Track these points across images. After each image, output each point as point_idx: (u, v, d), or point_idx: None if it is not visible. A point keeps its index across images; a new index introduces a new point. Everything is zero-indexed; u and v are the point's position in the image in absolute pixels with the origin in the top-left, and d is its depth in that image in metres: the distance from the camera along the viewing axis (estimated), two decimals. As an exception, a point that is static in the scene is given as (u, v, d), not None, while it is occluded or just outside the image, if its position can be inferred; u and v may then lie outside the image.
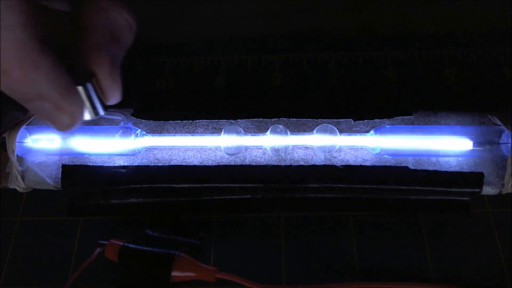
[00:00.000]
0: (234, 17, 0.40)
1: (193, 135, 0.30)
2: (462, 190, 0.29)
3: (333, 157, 0.30)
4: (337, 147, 0.29)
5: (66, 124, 0.17)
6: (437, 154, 0.30)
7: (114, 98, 0.20)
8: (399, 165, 0.30)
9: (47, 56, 0.15)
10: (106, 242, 0.28)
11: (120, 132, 0.30)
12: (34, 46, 0.14)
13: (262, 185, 0.30)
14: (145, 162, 0.31)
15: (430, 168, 0.30)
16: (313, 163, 0.30)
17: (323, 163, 0.30)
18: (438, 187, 0.29)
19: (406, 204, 0.30)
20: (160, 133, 0.31)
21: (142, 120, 0.31)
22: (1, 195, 0.32)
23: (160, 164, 0.30)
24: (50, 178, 0.30)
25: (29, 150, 0.30)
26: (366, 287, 0.27)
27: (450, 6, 0.39)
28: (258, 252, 0.30)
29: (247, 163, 0.30)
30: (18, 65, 0.14)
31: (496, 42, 0.38)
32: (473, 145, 0.29)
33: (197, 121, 0.31)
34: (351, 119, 0.31)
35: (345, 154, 0.30)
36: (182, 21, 0.40)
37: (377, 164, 0.30)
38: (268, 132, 0.29)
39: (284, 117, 0.31)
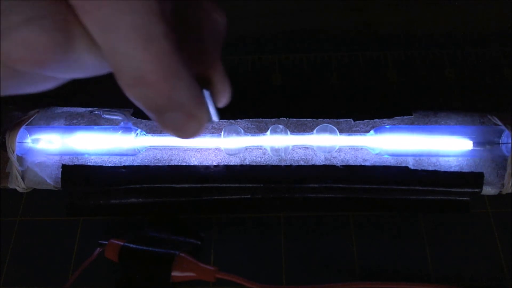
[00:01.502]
0: (234, 17, 0.40)
1: (193, 135, 0.30)
2: (462, 190, 0.29)
3: (333, 157, 0.30)
4: (337, 147, 0.29)
5: (195, 131, 0.16)
6: (437, 154, 0.30)
7: (225, 101, 0.20)
8: (399, 165, 0.30)
9: (184, 64, 0.14)
10: (106, 242, 0.28)
11: (120, 132, 0.30)
12: (175, 55, 0.13)
13: (262, 185, 0.30)
14: (145, 162, 0.31)
15: (430, 168, 0.30)
16: (313, 163, 0.30)
17: (323, 163, 0.30)
18: (438, 187, 0.29)
19: (406, 204, 0.30)
20: (160, 133, 0.31)
21: (142, 120, 0.31)
22: (1, 195, 0.32)
23: (160, 164, 0.30)
24: (50, 178, 0.30)
25: (29, 150, 0.30)
26: (366, 287, 0.27)
27: (450, 6, 0.39)
28: (258, 252, 0.30)
29: (247, 163, 0.30)
30: (163, 76, 0.13)
31: (496, 42, 0.38)
32: (473, 145, 0.29)
33: (197, 121, 0.31)
34: (351, 119, 0.31)
35: (345, 154, 0.30)
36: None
37: (377, 164, 0.30)
38: (268, 132, 0.29)
39: (284, 117, 0.31)
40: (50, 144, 0.30)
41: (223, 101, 0.20)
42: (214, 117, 0.19)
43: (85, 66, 0.14)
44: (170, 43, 0.13)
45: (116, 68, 0.13)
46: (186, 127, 0.16)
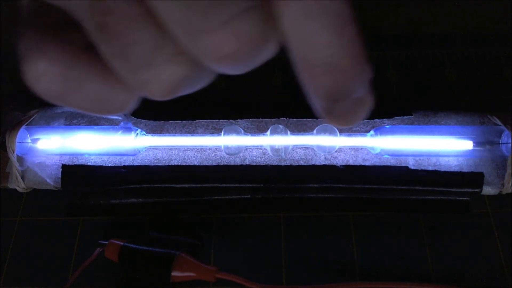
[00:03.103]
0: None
1: (193, 135, 0.30)
2: (462, 190, 0.29)
3: (333, 157, 0.30)
4: (337, 147, 0.29)
5: (362, 117, 0.16)
6: (437, 154, 0.30)
7: None
8: (399, 165, 0.30)
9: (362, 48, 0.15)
10: (106, 242, 0.28)
11: (120, 132, 0.30)
12: (359, 39, 0.14)
13: (262, 185, 0.30)
14: (145, 162, 0.31)
15: (430, 168, 0.30)
16: (313, 163, 0.30)
17: (323, 163, 0.30)
18: (438, 187, 0.29)
19: (406, 204, 0.30)
20: (160, 133, 0.31)
21: (142, 120, 0.31)
22: (1, 195, 0.32)
23: (160, 164, 0.30)
24: (50, 178, 0.30)
25: (29, 150, 0.30)
26: (366, 287, 0.27)
27: (450, 6, 0.39)
28: (258, 252, 0.30)
29: (247, 163, 0.30)
30: (354, 62, 0.13)
31: (496, 42, 0.38)
32: (473, 145, 0.29)
33: (197, 121, 0.31)
34: (351, 119, 0.31)
35: (345, 154, 0.30)
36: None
37: (377, 164, 0.30)
38: (268, 132, 0.29)
39: (284, 117, 0.31)
40: (50, 144, 0.30)
41: None
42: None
43: (265, 58, 0.14)
44: (357, 28, 0.13)
45: (306, 57, 0.13)
46: (358, 115, 0.16)
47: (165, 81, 0.13)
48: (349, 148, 0.30)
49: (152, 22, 0.12)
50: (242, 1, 0.11)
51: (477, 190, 0.29)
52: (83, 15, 0.12)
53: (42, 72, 0.13)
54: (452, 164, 0.30)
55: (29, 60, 0.13)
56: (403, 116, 0.31)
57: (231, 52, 0.12)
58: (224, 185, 0.30)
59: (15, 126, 0.30)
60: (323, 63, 0.13)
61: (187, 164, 0.30)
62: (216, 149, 0.31)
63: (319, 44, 0.13)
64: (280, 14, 0.12)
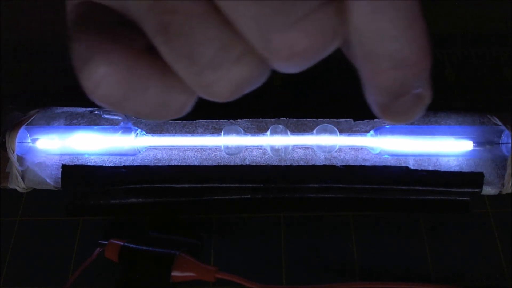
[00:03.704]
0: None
1: (193, 135, 0.30)
2: (462, 190, 0.29)
3: (333, 157, 0.30)
4: (337, 147, 0.29)
5: (420, 113, 0.16)
6: (437, 154, 0.30)
7: None
8: (399, 165, 0.30)
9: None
10: (106, 242, 0.28)
11: (120, 132, 0.30)
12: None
13: (262, 185, 0.30)
14: (145, 162, 0.31)
15: (430, 168, 0.30)
16: (313, 163, 0.30)
17: (323, 163, 0.30)
18: (438, 187, 0.29)
19: (406, 204, 0.30)
20: (160, 133, 0.31)
21: (142, 120, 0.31)
22: (1, 195, 0.32)
23: (160, 164, 0.30)
24: (50, 178, 0.30)
25: (29, 150, 0.30)
26: (366, 287, 0.27)
27: (450, 6, 0.39)
28: (258, 252, 0.30)
29: (247, 163, 0.30)
30: (422, 56, 0.13)
31: (496, 42, 0.38)
32: (473, 145, 0.29)
33: (197, 121, 0.31)
34: (351, 119, 0.31)
35: (345, 154, 0.30)
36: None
37: (377, 164, 0.30)
38: (268, 132, 0.29)
39: (284, 117, 0.31)
40: (50, 144, 0.30)
41: None
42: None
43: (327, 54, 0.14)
44: (424, 22, 0.13)
45: (373, 51, 0.13)
46: (417, 111, 0.15)
47: (231, 82, 0.12)
48: (349, 148, 0.30)
49: (219, 20, 0.11)
50: None
51: (477, 190, 0.29)
52: (143, 15, 0.12)
53: (103, 77, 0.12)
54: (452, 164, 0.30)
55: (89, 65, 0.13)
56: (403, 116, 0.31)
57: (303, 50, 0.11)
58: (224, 185, 0.30)
59: (15, 126, 0.30)
60: (391, 58, 0.13)
61: (187, 164, 0.30)
62: (216, 149, 0.31)
63: (388, 38, 0.12)
64: (350, 8, 0.12)
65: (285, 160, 0.30)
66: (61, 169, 0.30)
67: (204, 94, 0.13)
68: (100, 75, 0.12)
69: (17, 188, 0.31)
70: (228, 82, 0.12)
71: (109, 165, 0.31)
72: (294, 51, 0.11)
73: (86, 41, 0.13)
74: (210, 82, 0.12)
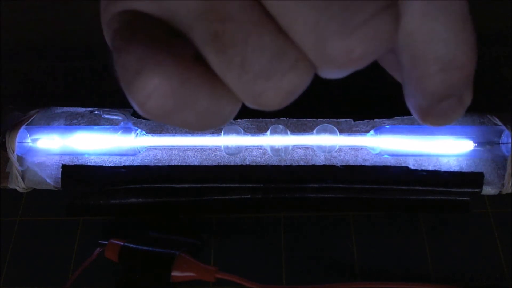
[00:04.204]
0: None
1: (193, 135, 0.30)
2: (462, 190, 0.29)
3: (333, 157, 0.30)
4: (337, 147, 0.29)
5: (460, 116, 0.17)
6: (437, 154, 0.30)
7: None
8: (399, 165, 0.30)
9: None
10: (106, 242, 0.28)
11: (120, 132, 0.30)
12: None
13: (262, 185, 0.30)
14: (145, 162, 0.31)
15: (430, 168, 0.30)
16: (313, 163, 0.30)
17: (323, 163, 0.30)
18: (438, 187, 0.29)
19: (406, 204, 0.30)
20: (160, 133, 0.31)
21: (142, 120, 0.31)
22: (1, 195, 0.32)
23: (160, 164, 0.30)
24: (50, 178, 0.30)
25: (29, 150, 0.30)
26: (366, 287, 0.27)
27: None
28: (258, 252, 0.30)
29: (247, 163, 0.30)
30: (471, 58, 0.13)
31: (496, 42, 0.38)
32: (473, 145, 0.29)
33: (197, 121, 0.31)
34: (351, 119, 0.31)
35: (345, 154, 0.30)
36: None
37: (377, 164, 0.30)
38: (268, 132, 0.29)
39: (284, 117, 0.31)
40: (50, 144, 0.30)
41: None
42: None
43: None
44: (473, 25, 0.13)
45: (423, 54, 0.13)
46: (457, 114, 0.16)
47: (283, 90, 0.12)
48: (349, 148, 0.30)
49: (272, 28, 0.11)
50: (378, 1, 0.11)
51: (477, 190, 0.29)
52: (193, 24, 0.12)
53: (156, 89, 0.12)
54: (452, 164, 0.30)
55: (140, 76, 0.12)
56: (403, 116, 0.31)
57: (359, 57, 0.11)
58: (224, 185, 0.30)
59: (15, 126, 0.30)
60: (440, 60, 0.13)
61: (187, 164, 0.30)
62: (216, 149, 0.31)
63: (439, 41, 0.12)
64: (404, 12, 0.12)
65: (285, 160, 0.30)
66: (61, 169, 0.30)
67: (253, 103, 0.13)
68: (152, 86, 0.12)
69: (17, 188, 0.31)
70: (280, 90, 0.12)
71: (109, 165, 0.31)
72: (350, 58, 0.11)
73: (136, 52, 0.12)
74: (261, 92, 0.12)
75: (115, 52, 0.13)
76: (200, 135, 0.30)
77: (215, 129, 0.14)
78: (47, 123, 0.32)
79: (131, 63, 0.12)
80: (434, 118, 0.15)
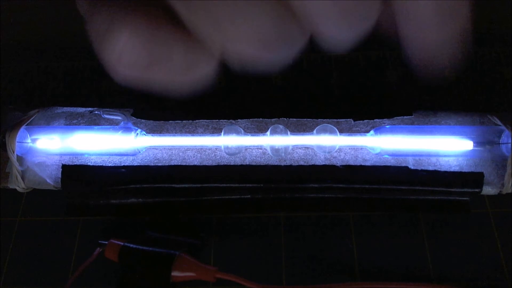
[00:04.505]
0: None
1: (193, 135, 0.30)
2: (462, 190, 0.29)
3: (333, 157, 0.30)
4: (337, 147, 0.29)
5: None
6: (437, 154, 0.30)
7: None
8: (399, 165, 0.30)
9: None
10: (106, 242, 0.28)
11: (120, 132, 0.30)
12: None
13: (262, 185, 0.30)
14: (145, 162, 0.31)
15: (430, 168, 0.30)
16: (313, 163, 0.30)
17: (323, 163, 0.30)
18: (438, 187, 0.29)
19: (406, 204, 0.30)
20: (160, 133, 0.31)
21: (142, 120, 0.31)
22: (1, 195, 0.32)
23: (160, 164, 0.30)
24: (50, 178, 0.30)
25: (29, 150, 0.30)
26: (366, 287, 0.27)
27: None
28: (258, 252, 0.30)
29: (247, 163, 0.30)
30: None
31: (496, 42, 0.38)
32: (473, 145, 0.29)
33: (197, 121, 0.31)
34: (351, 119, 0.31)
35: (345, 154, 0.30)
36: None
37: (377, 164, 0.30)
38: (268, 132, 0.29)
39: (284, 117, 0.31)
40: (50, 144, 0.30)
41: None
42: None
43: None
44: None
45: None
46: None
47: (254, 31, 0.12)
48: (349, 148, 0.30)
49: None
50: None
51: (477, 190, 0.29)
52: None
53: (126, 44, 0.12)
54: (452, 164, 0.30)
55: (110, 35, 0.12)
56: (403, 116, 0.31)
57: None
58: (224, 185, 0.30)
59: (15, 126, 0.30)
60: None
61: (187, 164, 0.30)
62: (216, 149, 0.31)
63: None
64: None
65: (285, 160, 0.30)
66: (61, 169, 0.30)
67: (227, 48, 0.13)
68: (122, 43, 0.12)
69: (17, 188, 0.31)
70: (252, 31, 0.12)
71: (109, 165, 0.31)
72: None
73: (104, 13, 0.12)
74: (232, 37, 0.12)
75: (87, 18, 0.13)
76: (200, 135, 0.30)
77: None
78: (47, 123, 0.32)
79: (101, 25, 0.12)
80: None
